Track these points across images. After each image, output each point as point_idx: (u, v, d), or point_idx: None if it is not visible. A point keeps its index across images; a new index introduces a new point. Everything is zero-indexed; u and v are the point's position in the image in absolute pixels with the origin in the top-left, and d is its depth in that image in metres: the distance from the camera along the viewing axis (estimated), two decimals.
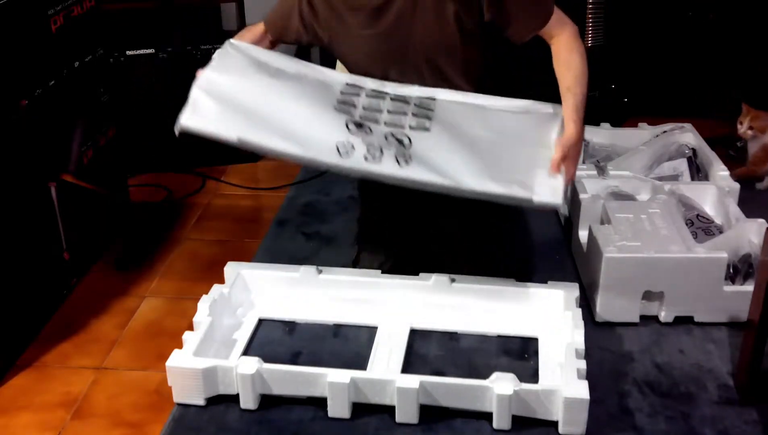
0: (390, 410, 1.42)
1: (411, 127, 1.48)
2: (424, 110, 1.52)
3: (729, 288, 1.66)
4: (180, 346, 1.49)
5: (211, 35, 2.41)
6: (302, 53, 2.73)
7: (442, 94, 1.56)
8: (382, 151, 1.41)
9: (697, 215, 1.86)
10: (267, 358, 1.45)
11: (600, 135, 2.22)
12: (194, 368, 1.43)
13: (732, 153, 2.39)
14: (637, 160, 2.07)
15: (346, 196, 2.23)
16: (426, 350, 1.58)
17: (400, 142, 1.44)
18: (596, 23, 2.46)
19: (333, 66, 2.00)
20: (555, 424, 1.38)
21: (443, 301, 1.64)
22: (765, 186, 2.22)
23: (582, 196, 1.89)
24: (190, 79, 2.32)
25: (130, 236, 2.09)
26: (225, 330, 1.61)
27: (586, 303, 1.70)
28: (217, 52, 1.53)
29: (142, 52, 2.32)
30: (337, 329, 1.64)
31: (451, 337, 1.61)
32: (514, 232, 1.81)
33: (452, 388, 1.40)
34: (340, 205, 2.21)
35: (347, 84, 1.55)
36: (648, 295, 1.67)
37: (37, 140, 1.70)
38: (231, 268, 1.70)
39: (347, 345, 1.60)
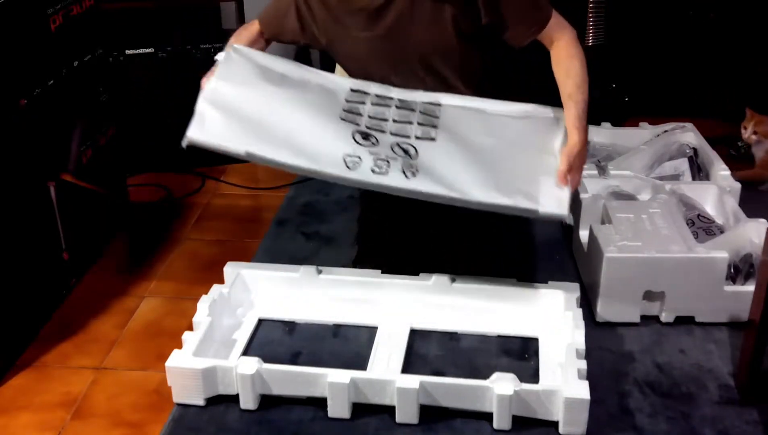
0: (390, 410, 1.42)
1: (417, 137, 1.49)
2: (429, 117, 1.54)
3: (730, 288, 1.66)
4: (179, 346, 1.48)
5: (211, 34, 2.40)
6: (302, 54, 2.73)
7: (446, 99, 1.57)
8: (389, 162, 1.43)
9: (698, 215, 1.86)
10: (267, 359, 1.45)
11: (601, 134, 2.22)
12: (194, 368, 1.43)
13: (733, 152, 2.39)
14: (638, 160, 2.07)
15: (345, 196, 2.23)
16: (426, 350, 1.58)
17: (406, 152, 1.46)
18: (597, 22, 2.46)
19: (332, 67, 2.00)
20: (555, 424, 1.38)
21: (443, 301, 1.64)
22: None
23: (582, 195, 1.89)
24: (189, 78, 2.33)
25: (132, 239, 2.09)
26: (225, 330, 1.61)
27: (587, 303, 1.70)
28: (222, 58, 1.53)
29: (141, 51, 2.31)
30: (337, 329, 1.64)
31: (452, 337, 1.61)
32: (514, 232, 1.81)
33: (452, 389, 1.40)
34: (339, 205, 2.21)
35: (352, 90, 1.56)
36: (649, 295, 1.67)
37: (36, 140, 1.70)
38: (231, 268, 1.70)
39: (347, 345, 1.60)
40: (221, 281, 1.68)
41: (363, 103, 1.54)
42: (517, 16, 1.50)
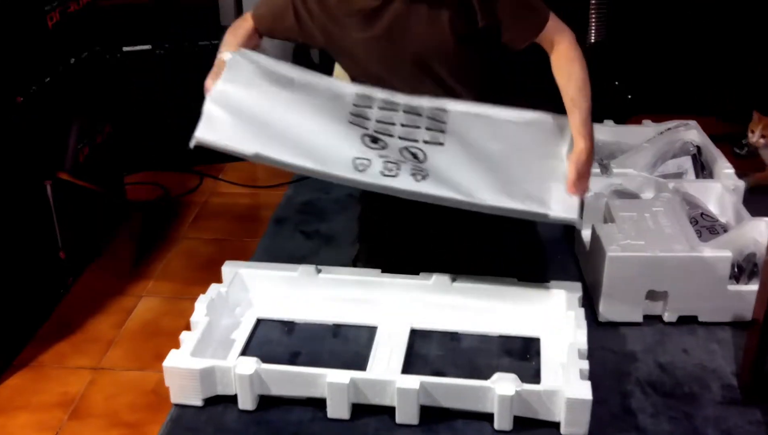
0: (390, 411, 1.41)
1: (425, 142, 1.49)
2: (437, 122, 1.54)
3: (733, 287, 1.65)
4: (177, 346, 1.48)
5: (209, 31, 2.39)
6: (301, 52, 2.72)
7: (452, 105, 1.57)
8: (398, 165, 1.42)
9: (702, 214, 1.84)
10: (265, 359, 1.44)
11: (603, 132, 2.20)
12: (192, 368, 1.42)
13: (737, 150, 2.37)
14: (640, 158, 2.06)
15: (345, 195, 2.22)
16: (426, 350, 1.56)
17: (415, 156, 1.46)
18: (599, 20, 2.45)
19: (332, 66, 2.00)
20: (557, 425, 1.37)
21: (444, 301, 1.63)
22: None
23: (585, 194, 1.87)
24: (187, 75, 2.33)
25: (136, 241, 2.07)
26: (223, 330, 1.60)
27: (589, 303, 1.69)
28: (228, 62, 1.52)
29: (138, 48, 2.30)
30: (337, 329, 1.63)
31: (452, 337, 1.60)
32: (515, 232, 1.80)
33: (453, 389, 1.39)
34: (339, 204, 2.20)
35: (357, 95, 1.56)
36: (651, 295, 1.66)
37: (32, 138, 1.69)
38: (229, 268, 1.69)
39: (347, 345, 1.59)
40: (219, 280, 1.67)
41: (370, 107, 1.54)
42: (513, 19, 1.50)
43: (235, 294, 1.66)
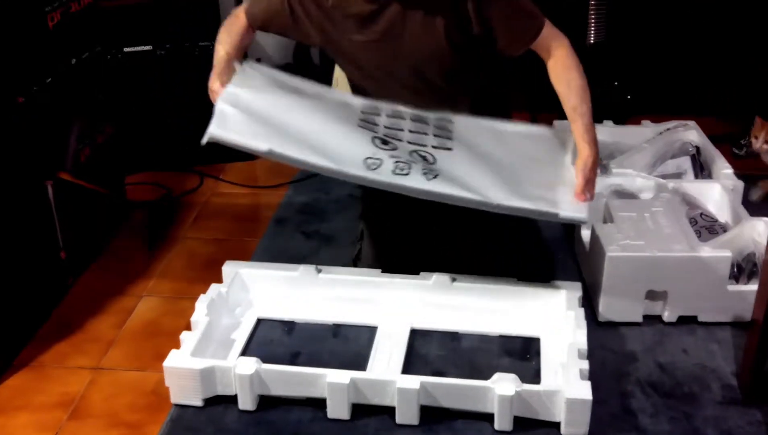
0: (390, 411, 1.41)
1: (434, 147, 1.51)
2: (443, 130, 1.56)
3: (733, 287, 1.65)
4: (178, 346, 1.48)
5: (210, 31, 2.38)
6: (302, 51, 2.72)
7: (457, 117, 1.59)
8: (409, 165, 1.43)
9: (701, 214, 1.85)
10: (266, 359, 1.44)
11: (603, 133, 2.18)
12: (192, 368, 1.42)
13: (736, 151, 2.37)
14: (640, 158, 2.05)
15: (345, 195, 2.22)
16: (427, 350, 1.57)
17: (424, 158, 1.47)
18: (599, 20, 2.45)
19: (332, 66, 2.00)
20: (557, 425, 1.37)
21: (444, 301, 1.63)
22: None
23: None
24: (188, 76, 2.33)
25: (132, 238, 2.08)
26: (223, 330, 1.60)
27: (589, 303, 1.69)
28: (238, 71, 1.53)
29: (139, 49, 2.30)
30: (337, 329, 1.63)
31: (452, 337, 1.60)
32: (515, 231, 1.80)
33: (453, 389, 1.39)
34: (339, 204, 2.20)
35: (365, 104, 1.58)
36: (651, 295, 1.66)
37: (33, 138, 1.69)
38: (229, 268, 1.69)
39: (347, 345, 1.59)
40: (220, 280, 1.67)
41: (378, 115, 1.56)
42: (508, 27, 1.50)
43: (235, 294, 1.66)
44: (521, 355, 1.55)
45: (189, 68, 2.32)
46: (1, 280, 1.59)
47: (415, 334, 1.59)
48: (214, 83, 1.51)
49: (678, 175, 2.06)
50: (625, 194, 1.93)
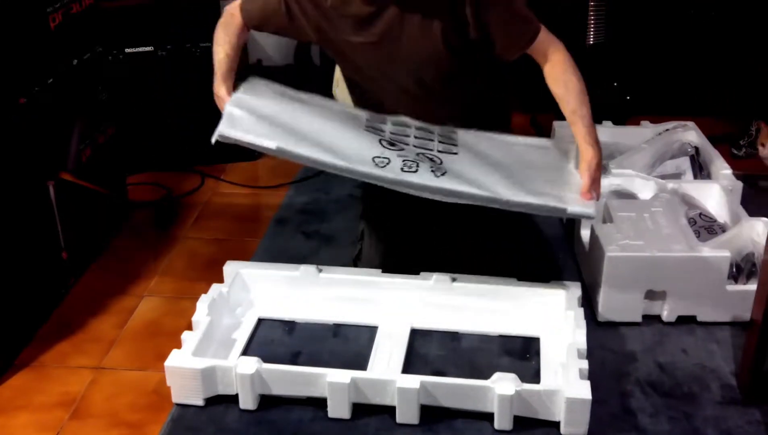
0: (390, 411, 1.41)
1: (439, 151, 1.53)
2: (448, 138, 1.59)
3: (732, 287, 1.65)
4: (179, 345, 1.48)
5: (211, 32, 2.39)
6: (302, 50, 2.73)
7: (460, 130, 1.62)
8: (417, 163, 1.45)
9: (700, 214, 1.85)
10: (266, 358, 1.44)
11: (602, 133, 2.16)
12: (193, 368, 1.42)
13: (735, 151, 2.38)
14: (639, 159, 2.06)
15: (345, 195, 2.23)
16: (427, 350, 1.57)
17: (431, 160, 1.49)
18: (598, 21, 2.45)
19: (332, 67, 2.00)
20: (557, 424, 1.38)
21: (444, 301, 1.63)
22: None
23: None
24: (189, 76, 2.33)
25: (132, 238, 2.08)
26: (224, 330, 1.60)
27: (588, 302, 1.69)
28: (244, 83, 1.55)
29: (141, 49, 2.31)
30: (337, 329, 1.63)
31: (452, 336, 1.61)
32: (515, 231, 1.81)
33: (453, 389, 1.40)
34: (339, 204, 2.20)
35: (370, 114, 1.60)
36: (650, 295, 1.66)
37: (35, 138, 1.69)
38: (230, 267, 1.69)
39: (347, 345, 1.59)
40: (220, 280, 1.67)
41: (383, 123, 1.58)
42: (506, 31, 1.51)
43: (236, 294, 1.66)
44: (521, 354, 1.55)
45: (190, 69, 2.32)
46: (3, 279, 1.59)
47: (415, 333, 1.60)
48: (219, 89, 1.52)
49: (677, 176, 2.06)
50: (624, 194, 1.93)
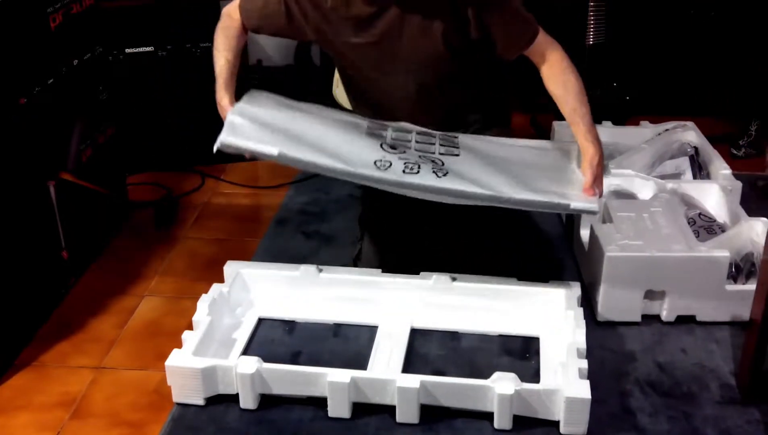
0: (390, 410, 1.41)
1: (441, 154, 1.54)
2: (449, 140, 1.60)
3: (731, 287, 1.65)
4: (179, 345, 1.48)
5: (211, 33, 2.39)
6: (302, 50, 2.73)
7: (462, 134, 1.63)
8: (419, 165, 1.46)
9: (699, 214, 1.85)
10: (267, 358, 1.45)
11: (602, 133, 2.16)
12: (193, 368, 1.42)
13: (734, 151, 2.38)
14: (639, 159, 2.06)
15: (345, 195, 2.23)
16: (427, 350, 1.57)
17: (433, 161, 1.49)
18: (598, 21, 2.45)
19: (332, 67, 2.01)
20: (556, 424, 1.38)
21: (444, 301, 1.64)
22: None
23: None
24: (189, 77, 2.33)
25: (132, 237, 2.09)
26: (224, 329, 1.61)
27: (588, 302, 1.69)
28: (245, 95, 1.56)
29: (141, 50, 2.31)
30: (338, 329, 1.64)
31: (452, 336, 1.61)
32: (515, 231, 1.81)
33: (453, 388, 1.40)
34: (339, 204, 2.20)
35: (371, 120, 1.61)
36: (650, 294, 1.66)
37: (35, 139, 1.69)
38: (230, 267, 1.70)
39: (347, 344, 1.59)
40: (221, 280, 1.68)
41: (385, 129, 1.59)
42: (506, 32, 1.52)
43: (236, 294, 1.66)
44: (521, 354, 1.56)
45: (190, 69, 2.32)
46: (3, 279, 1.59)
47: (415, 333, 1.60)
48: (222, 98, 1.52)
49: (676, 176, 2.06)
50: (623, 194, 1.94)
